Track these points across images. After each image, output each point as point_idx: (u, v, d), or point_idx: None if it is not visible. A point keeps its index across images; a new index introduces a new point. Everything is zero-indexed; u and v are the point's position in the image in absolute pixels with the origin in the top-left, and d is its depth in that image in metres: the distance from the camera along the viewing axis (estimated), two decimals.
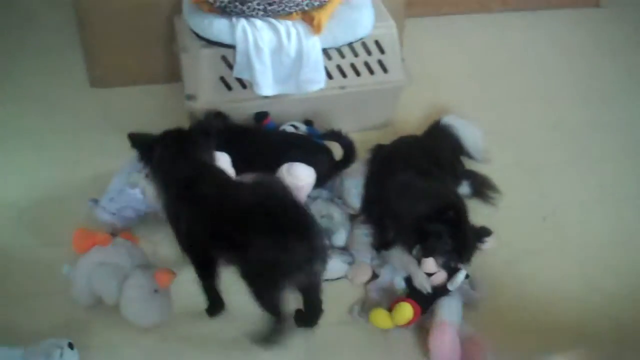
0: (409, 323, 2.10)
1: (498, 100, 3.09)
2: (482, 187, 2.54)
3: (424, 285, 2.15)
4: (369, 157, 2.54)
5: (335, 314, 2.19)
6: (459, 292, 2.18)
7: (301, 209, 1.96)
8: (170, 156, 2.02)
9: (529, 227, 2.51)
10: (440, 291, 2.16)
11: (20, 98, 2.96)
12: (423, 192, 2.27)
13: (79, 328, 2.12)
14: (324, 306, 2.12)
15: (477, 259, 2.23)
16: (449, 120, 2.69)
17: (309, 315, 2.10)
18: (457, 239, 2.14)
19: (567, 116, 3.03)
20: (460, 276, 2.16)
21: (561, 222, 2.54)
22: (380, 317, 2.11)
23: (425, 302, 2.14)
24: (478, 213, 2.39)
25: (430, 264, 2.16)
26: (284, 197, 1.96)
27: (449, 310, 2.11)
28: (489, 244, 2.27)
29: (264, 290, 1.93)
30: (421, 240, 2.17)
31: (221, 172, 2.09)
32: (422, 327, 2.14)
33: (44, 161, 2.68)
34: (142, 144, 2.06)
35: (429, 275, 2.17)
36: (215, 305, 2.15)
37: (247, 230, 1.85)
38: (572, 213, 2.58)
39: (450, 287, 2.16)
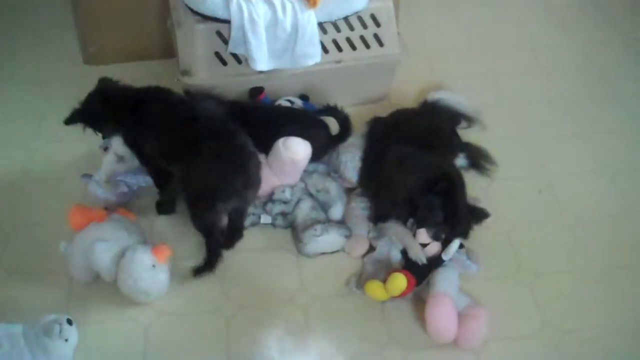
0: (403, 294, 2.10)
1: (495, 74, 3.08)
2: (478, 159, 2.54)
3: (419, 256, 2.15)
4: (367, 130, 2.54)
5: (332, 286, 2.21)
6: (455, 263, 2.19)
7: (242, 137, 2.13)
8: (110, 104, 2.20)
9: (525, 200, 2.51)
10: (435, 262, 2.17)
11: (14, 75, 2.95)
12: (418, 164, 2.27)
13: (78, 304, 2.13)
14: (323, 278, 2.18)
15: (475, 230, 2.24)
16: (434, 95, 2.71)
17: (229, 237, 2.25)
18: (449, 211, 2.15)
19: (564, 89, 3.02)
20: (454, 246, 2.16)
21: (557, 194, 2.54)
22: (375, 288, 2.11)
23: (420, 273, 2.14)
24: (474, 185, 2.40)
25: (423, 234, 2.17)
26: (226, 124, 2.14)
27: (445, 281, 2.12)
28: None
29: (202, 211, 2.12)
30: (414, 212, 2.18)
31: (165, 95, 2.23)
32: (419, 298, 2.15)
33: (39, 139, 2.67)
34: (86, 118, 2.23)
35: (424, 246, 2.17)
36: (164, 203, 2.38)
37: (191, 154, 2.05)
38: (568, 185, 2.58)
39: (444, 257, 2.17)
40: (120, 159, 2.35)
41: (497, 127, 2.74)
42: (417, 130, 2.42)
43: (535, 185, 2.57)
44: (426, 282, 2.16)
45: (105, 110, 2.20)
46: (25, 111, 2.79)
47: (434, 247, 2.18)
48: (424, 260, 2.14)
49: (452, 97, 2.71)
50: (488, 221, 2.28)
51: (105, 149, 2.39)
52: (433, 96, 2.71)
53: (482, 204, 2.32)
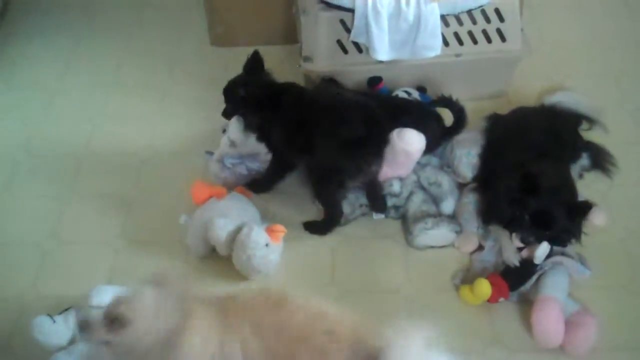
0: (493, 300, 2.10)
1: (618, 74, 2.96)
2: (601, 159, 2.46)
3: (511, 259, 2.13)
4: (487, 126, 2.52)
5: (439, 281, 2.22)
6: (568, 267, 2.14)
7: (367, 112, 2.20)
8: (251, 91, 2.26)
9: None
10: (531, 266, 2.13)
11: (144, 52, 3.08)
12: (511, 166, 2.23)
13: (193, 275, 2.21)
14: (430, 271, 2.21)
15: (589, 236, 2.18)
16: (553, 97, 2.64)
17: (376, 205, 2.38)
18: (538, 214, 2.09)
19: None
20: (542, 250, 2.09)
21: None
22: (466, 293, 2.13)
23: (516, 277, 2.12)
24: (593, 189, 2.34)
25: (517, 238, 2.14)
26: (347, 104, 2.23)
27: (553, 286, 2.08)
28: (599, 219, 2.22)
29: (333, 190, 2.27)
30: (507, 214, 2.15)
31: (295, 88, 2.33)
32: (526, 301, 2.13)
33: (164, 114, 2.79)
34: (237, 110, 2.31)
35: (521, 249, 2.14)
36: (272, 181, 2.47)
37: (316, 139, 2.16)
38: None
39: (535, 261, 2.10)
40: (232, 143, 2.43)
41: (619, 131, 2.63)
42: (538, 133, 2.36)
43: None
44: (532, 284, 2.13)
45: (246, 104, 2.28)
46: (149, 86, 2.91)
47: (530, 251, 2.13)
48: (516, 263, 2.12)
49: (573, 97, 2.64)
50: (602, 219, 2.22)
51: (224, 131, 2.48)
52: (551, 99, 2.65)
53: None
